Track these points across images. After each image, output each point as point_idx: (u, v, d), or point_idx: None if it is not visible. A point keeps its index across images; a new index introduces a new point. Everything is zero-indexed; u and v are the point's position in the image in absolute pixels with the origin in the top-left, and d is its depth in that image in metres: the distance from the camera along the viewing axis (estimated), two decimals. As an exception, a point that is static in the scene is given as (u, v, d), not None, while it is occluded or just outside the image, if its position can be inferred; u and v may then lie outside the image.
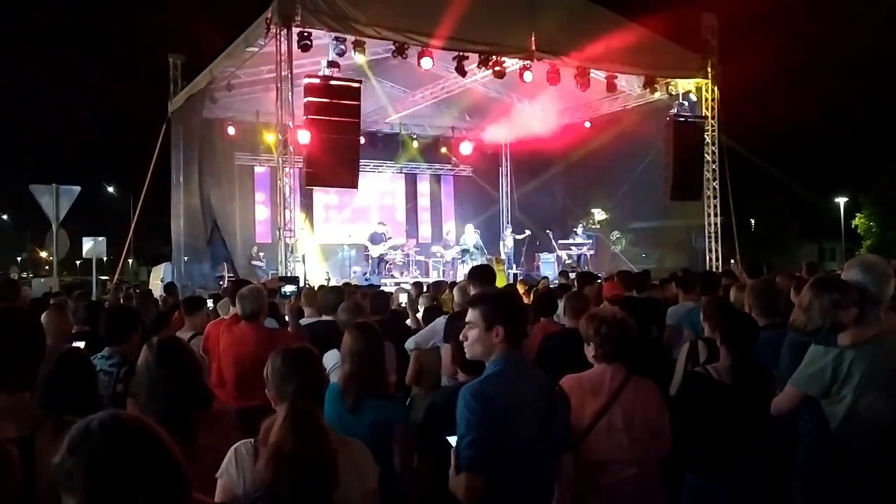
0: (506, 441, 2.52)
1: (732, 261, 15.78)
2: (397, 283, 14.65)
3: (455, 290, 5.49)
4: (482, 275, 4.92)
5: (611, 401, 3.00)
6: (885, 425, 2.95)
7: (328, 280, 14.71)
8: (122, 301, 9.19)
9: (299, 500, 1.99)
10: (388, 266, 17.29)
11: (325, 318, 5.68)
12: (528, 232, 18.66)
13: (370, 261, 17.16)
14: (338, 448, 2.16)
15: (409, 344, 5.19)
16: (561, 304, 5.16)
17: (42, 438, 2.03)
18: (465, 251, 17.90)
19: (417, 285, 9.42)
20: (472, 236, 18.18)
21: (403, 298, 8.04)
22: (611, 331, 3.07)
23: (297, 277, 11.07)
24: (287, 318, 5.72)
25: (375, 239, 17.18)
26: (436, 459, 2.79)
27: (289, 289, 7.05)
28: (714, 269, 14.41)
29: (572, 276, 10.82)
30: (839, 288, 3.01)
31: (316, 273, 16.07)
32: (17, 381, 2.13)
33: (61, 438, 1.83)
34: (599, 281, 8.47)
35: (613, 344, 3.08)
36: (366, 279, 15.09)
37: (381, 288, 10.43)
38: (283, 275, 11.23)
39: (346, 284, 9.53)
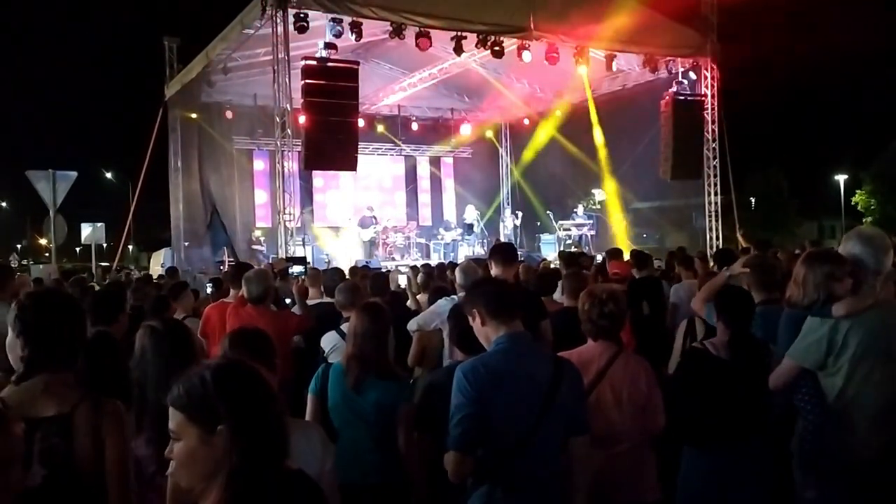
0: (501, 420, 2.50)
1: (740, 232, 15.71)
2: (397, 266, 14.68)
3: (457, 271, 5.46)
4: (503, 251, 4.85)
5: (599, 377, 3.03)
6: (882, 395, 2.96)
7: (328, 263, 14.72)
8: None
9: None
10: (388, 249, 17.33)
11: (327, 299, 5.68)
12: (520, 214, 18.74)
13: (363, 244, 17.20)
14: (290, 431, 2.15)
15: (412, 325, 5.19)
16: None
17: (80, 416, 2.13)
18: (469, 226, 17.97)
19: (416, 269, 9.41)
20: (472, 214, 18.25)
21: (402, 280, 8.04)
22: (592, 309, 3.11)
23: (305, 258, 11.10)
24: (296, 299, 5.68)
25: (364, 223, 17.25)
26: (433, 437, 2.80)
27: (296, 269, 7.06)
28: (715, 248, 14.40)
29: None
30: (832, 260, 3.02)
31: (316, 257, 16.07)
32: (60, 361, 2.21)
33: (98, 416, 1.92)
34: (597, 263, 8.49)
35: (593, 322, 3.13)
36: (366, 262, 15.10)
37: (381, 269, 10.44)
38: (291, 255, 11.24)
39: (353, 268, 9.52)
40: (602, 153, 16.73)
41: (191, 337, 2.75)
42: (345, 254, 17.24)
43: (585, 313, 3.16)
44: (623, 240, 16.15)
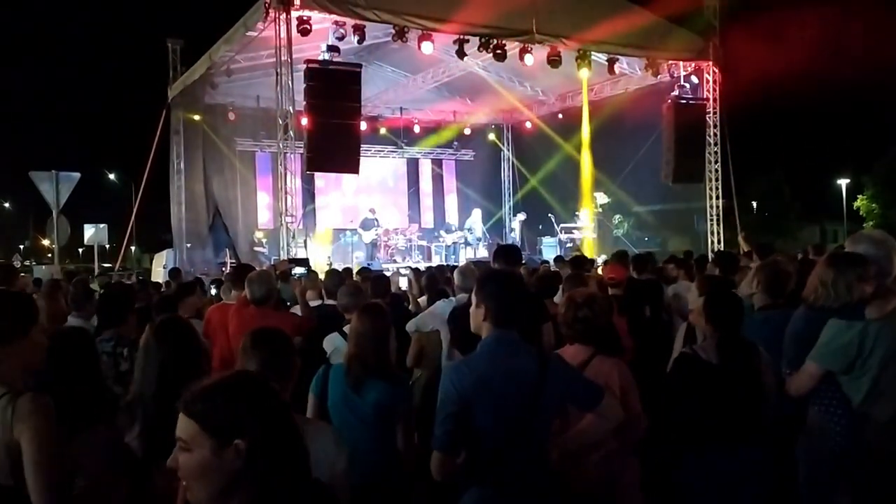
0: (487, 421, 2.50)
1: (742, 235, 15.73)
2: (398, 268, 14.71)
3: (456, 273, 5.50)
4: (506, 254, 4.88)
5: None
6: None
7: (330, 265, 14.74)
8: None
9: None
10: (389, 251, 17.36)
11: (329, 301, 5.71)
12: (523, 215, 18.82)
13: (365, 246, 17.26)
14: (304, 431, 2.17)
15: (410, 327, 5.23)
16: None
17: None
18: (469, 232, 18.02)
19: (417, 271, 9.44)
20: (478, 222, 18.30)
21: (403, 283, 8.07)
22: (567, 312, 3.15)
23: (307, 259, 11.11)
24: (298, 300, 5.69)
25: (366, 225, 17.33)
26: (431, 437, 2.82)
27: (298, 271, 7.07)
28: (716, 252, 14.39)
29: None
30: (861, 263, 3.02)
31: (318, 258, 16.09)
32: None
33: (9, 415, 1.98)
34: (597, 265, 8.49)
35: (569, 326, 3.17)
36: (368, 264, 15.14)
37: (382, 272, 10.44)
38: (293, 257, 11.26)
39: (347, 269, 9.54)
40: (603, 157, 16.74)
41: (195, 335, 2.77)
42: (344, 257, 17.28)
43: (562, 317, 3.22)
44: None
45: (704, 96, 15.15)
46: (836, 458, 3.09)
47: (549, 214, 17.90)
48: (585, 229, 16.91)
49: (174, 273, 10.88)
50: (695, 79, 15.05)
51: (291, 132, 11.85)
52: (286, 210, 11.95)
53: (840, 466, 3.09)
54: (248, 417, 1.48)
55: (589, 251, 15.40)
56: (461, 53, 12.74)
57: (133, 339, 3.75)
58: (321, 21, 11.53)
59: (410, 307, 6.52)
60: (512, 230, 19.28)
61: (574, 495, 2.94)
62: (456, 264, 11.02)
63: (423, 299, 6.41)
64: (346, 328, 4.06)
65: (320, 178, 18.74)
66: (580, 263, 7.22)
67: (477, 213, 18.65)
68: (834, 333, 3.04)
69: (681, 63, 14.79)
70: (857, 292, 2.97)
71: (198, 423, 1.47)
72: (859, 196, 41.74)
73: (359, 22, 11.60)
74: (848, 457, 3.06)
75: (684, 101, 14.96)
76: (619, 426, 2.91)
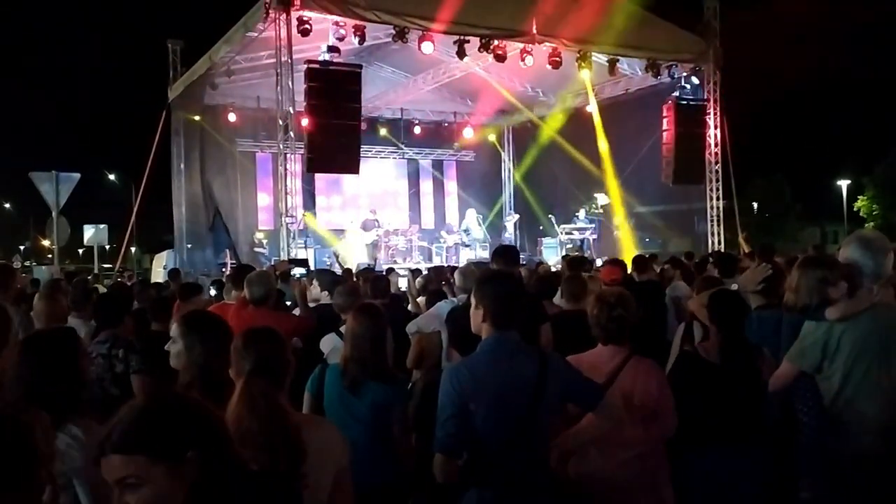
0: (487, 422, 2.50)
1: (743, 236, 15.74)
2: (394, 268, 14.69)
3: (456, 274, 5.48)
4: (505, 254, 4.88)
5: (608, 382, 3.00)
6: (879, 397, 2.97)
7: (330, 265, 14.73)
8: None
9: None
10: (390, 252, 17.35)
11: (326, 301, 5.69)
12: (517, 216, 18.79)
13: (366, 247, 17.25)
14: (304, 426, 2.17)
15: (411, 328, 5.20)
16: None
17: None
18: (466, 231, 18.03)
19: (415, 272, 9.43)
20: (474, 222, 18.27)
21: (402, 283, 8.06)
22: (601, 313, 3.12)
23: (307, 260, 11.13)
24: (298, 301, 5.67)
25: (367, 226, 17.32)
26: (430, 438, 2.81)
27: (298, 271, 7.08)
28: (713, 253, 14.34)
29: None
30: (825, 265, 3.04)
31: (319, 259, 16.07)
32: None
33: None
34: (597, 267, 8.49)
35: (602, 326, 3.13)
36: (368, 265, 15.13)
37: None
38: (293, 258, 11.26)
39: (347, 270, 9.55)
40: (605, 157, 16.72)
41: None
42: (347, 256, 17.26)
43: (594, 318, 3.15)
44: (628, 245, 16.11)
45: (705, 97, 15.14)
46: (806, 452, 3.14)
47: (550, 216, 17.89)
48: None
49: (173, 274, 10.88)
50: (695, 80, 15.04)
51: (292, 133, 11.84)
52: (286, 211, 11.95)
53: (810, 461, 3.13)
54: (189, 428, 1.47)
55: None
56: (461, 54, 12.75)
57: (129, 341, 3.74)
58: (321, 22, 11.53)
59: (410, 308, 6.51)
60: (508, 231, 19.26)
61: (595, 495, 2.93)
62: (456, 265, 11.01)
63: (421, 300, 6.40)
64: (343, 328, 4.05)
65: (320, 179, 18.74)
66: (579, 264, 7.21)
67: (471, 214, 18.61)
68: (804, 334, 3.10)
69: (681, 64, 14.77)
70: (819, 294, 2.99)
71: (144, 455, 1.44)
72: (860, 197, 41.73)
73: (359, 22, 11.61)
74: (815, 453, 3.09)
75: (685, 102, 14.96)
76: (656, 426, 2.96)
